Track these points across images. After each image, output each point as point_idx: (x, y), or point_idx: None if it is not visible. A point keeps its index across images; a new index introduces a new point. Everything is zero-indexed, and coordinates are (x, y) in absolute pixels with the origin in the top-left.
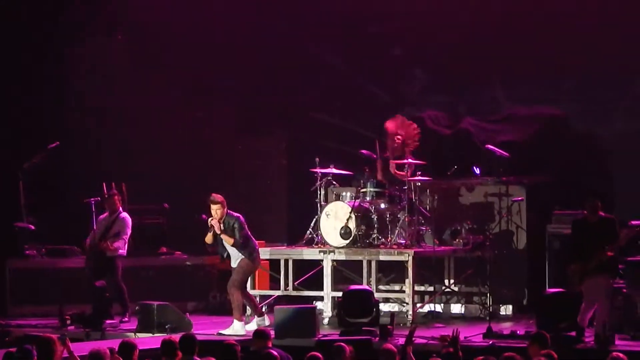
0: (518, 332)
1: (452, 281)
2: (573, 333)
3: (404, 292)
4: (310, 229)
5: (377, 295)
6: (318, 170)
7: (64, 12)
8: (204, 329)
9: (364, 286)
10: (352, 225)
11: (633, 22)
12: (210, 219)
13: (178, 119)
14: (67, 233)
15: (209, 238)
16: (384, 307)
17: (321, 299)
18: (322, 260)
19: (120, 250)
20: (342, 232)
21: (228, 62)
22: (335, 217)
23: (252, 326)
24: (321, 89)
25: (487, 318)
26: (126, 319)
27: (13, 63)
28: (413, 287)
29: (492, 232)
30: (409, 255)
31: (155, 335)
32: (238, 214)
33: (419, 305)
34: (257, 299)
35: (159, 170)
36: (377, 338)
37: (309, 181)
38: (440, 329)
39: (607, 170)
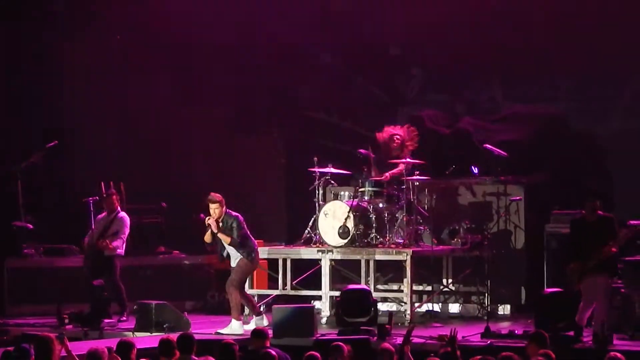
0: (516, 331)
1: (450, 281)
2: (571, 333)
3: (402, 291)
4: (308, 229)
5: (375, 294)
6: (316, 169)
7: (64, 11)
8: (202, 328)
9: (362, 286)
10: (350, 224)
11: (632, 21)
12: (207, 218)
13: (176, 118)
14: (65, 232)
15: (207, 237)
16: (382, 307)
17: (319, 298)
18: (320, 260)
19: (118, 250)
20: (341, 231)
21: (227, 62)
22: (333, 217)
23: (251, 326)
24: (320, 88)
25: (485, 318)
26: (124, 318)
27: (12, 63)
28: (411, 287)
29: (490, 232)
30: (407, 254)
31: (153, 334)
32: (237, 214)
33: (417, 304)
34: (255, 298)
35: (157, 169)
36: (375, 337)
37: (307, 180)
38: (438, 329)
39: (606, 170)
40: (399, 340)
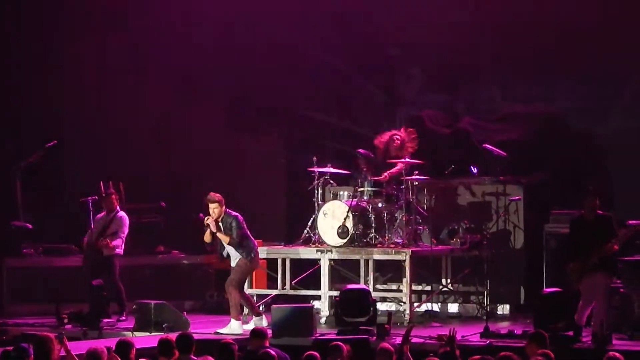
0: (515, 331)
1: (449, 280)
2: (570, 332)
3: (401, 291)
4: (307, 228)
5: (374, 294)
6: (315, 169)
7: (64, 10)
8: (201, 328)
9: (362, 285)
10: (349, 224)
11: (632, 21)
12: (206, 218)
13: (175, 118)
14: (64, 232)
15: (207, 237)
16: (381, 307)
17: (318, 298)
18: (319, 260)
19: (117, 249)
20: (340, 231)
21: (226, 62)
22: (332, 216)
23: (250, 325)
24: (319, 88)
25: (485, 317)
26: (123, 317)
27: (12, 62)
28: (410, 287)
29: (489, 232)
30: (406, 254)
31: (153, 334)
32: (236, 213)
33: (416, 304)
34: (255, 298)
35: (157, 169)
36: (375, 337)
37: (307, 180)
38: (437, 329)
39: (605, 170)
40: (398, 340)
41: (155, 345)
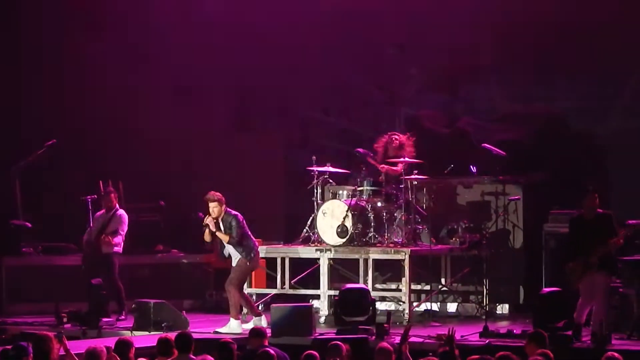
0: (515, 331)
1: (448, 280)
2: (570, 332)
3: (400, 290)
4: (307, 228)
5: (373, 293)
6: (315, 168)
7: (63, 10)
8: (200, 327)
9: (361, 285)
10: (348, 223)
11: (632, 21)
12: (205, 218)
13: (174, 117)
14: (63, 231)
15: (207, 236)
16: (380, 306)
17: (318, 297)
18: (318, 259)
19: (116, 247)
20: (339, 230)
21: (225, 61)
22: (331, 216)
23: (249, 325)
24: (318, 87)
25: (484, 317)
26: (123, 317)
27: (11, 62)
28: (409, 286)
29: (488, 231)
30: (405, 253)
31: (152, 333)
32: (236, 212)
33: (415, 304)
34: (254, 297)
35: (156, 168)
36: (374, 337)
37: (306, 179)
38: (436, 328)
39: (605, 170)
40: (398, 339)
41: (155, 344)
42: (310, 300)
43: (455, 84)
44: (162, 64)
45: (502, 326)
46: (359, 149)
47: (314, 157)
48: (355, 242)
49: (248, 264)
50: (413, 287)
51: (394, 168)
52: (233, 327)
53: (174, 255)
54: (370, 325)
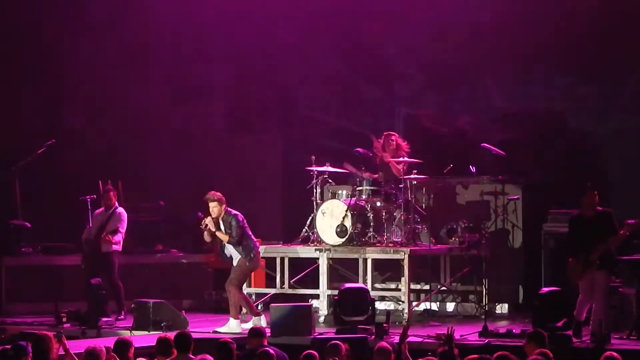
0: (514, 330)
1: (447, 279)
2: (569, 332)
3: (399, 290)
4: (306, 227)
5: (372, 293)
6: (314, 168)
7: (63, 9)
8: (199, 326)
9: (360, 284)
10: (348, 223)
11: (631, 21)
12: (205, 218)
13: (174, 117)
14: (63, 231)
15: (206, 236)
16: (379, 306)
17: (317, 297)
18: (318, 259)
19: (115, 246)
20: (338, 230)
21: (225, 61)
22: (331, 215)
23: (249, 325)
24: (317, 87)
25: (483, 316)
26: (122, 316)
27: (11, 62)
28: (409, 286)
29: (488, 231)
30: (404, 253)
31: (151, 333)
32: (236, 212)
33: (414, 303)
34: (253, 297)
35: (155, 168)
36: (373, 336)
37: (305, 179)
38: (435, 328)
39: (604, 169)
40: (397, 339)
41: (154, 344)
42: (310, 300)
43: (455, 84)
44: (160, 63)
45: (502, 326)
46: (358, 149)
47: (313, 157)
48: (355, 242)
49: (248, 264)
50: (412, 286)
51: (397, 166)
52: (232, 326)
53: (174, 255)
54: (370, 324)
